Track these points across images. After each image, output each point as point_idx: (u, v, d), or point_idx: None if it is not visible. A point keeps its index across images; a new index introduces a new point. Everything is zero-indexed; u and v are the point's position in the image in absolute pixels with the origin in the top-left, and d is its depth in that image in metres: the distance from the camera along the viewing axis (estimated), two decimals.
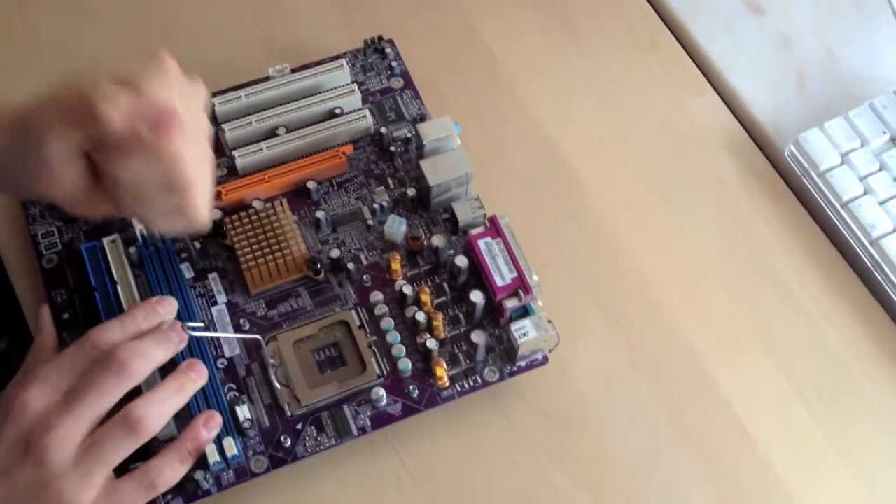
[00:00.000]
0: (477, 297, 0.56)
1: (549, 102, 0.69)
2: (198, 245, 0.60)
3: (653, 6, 0.75)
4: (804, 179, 0.66)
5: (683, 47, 0.73)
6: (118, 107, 0.46)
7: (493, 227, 0.58)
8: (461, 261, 0.57)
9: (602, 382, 0.59)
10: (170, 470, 0.51)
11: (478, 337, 0.56)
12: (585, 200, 0.65)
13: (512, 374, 0.57)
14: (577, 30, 0.73)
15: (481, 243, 0.57)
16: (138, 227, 0.59)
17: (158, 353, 0.52)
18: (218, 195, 0.60)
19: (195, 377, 0.53)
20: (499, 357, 0.57)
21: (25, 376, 0.50)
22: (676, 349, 0.60)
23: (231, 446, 0.53)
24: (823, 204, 0.65)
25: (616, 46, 0.72)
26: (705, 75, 0.71)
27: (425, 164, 0.60)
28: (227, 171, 0.63)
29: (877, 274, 0.62)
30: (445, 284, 0.59)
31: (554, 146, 0.67)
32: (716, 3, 0.75)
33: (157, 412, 0.50)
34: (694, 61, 0.72)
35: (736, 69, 0.71)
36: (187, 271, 0.59)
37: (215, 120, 0.63)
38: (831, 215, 0.65)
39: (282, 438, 0.54)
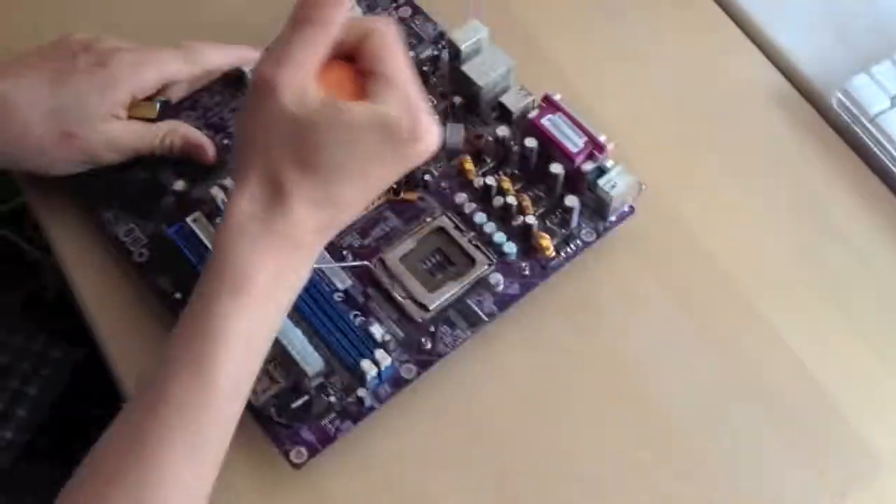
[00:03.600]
0: (556, 168, 0.60)
1: (581, 69, 0.68)
2: None
3: None
4: (855, 126, 0.65)
5: (717, 2, 0.72)
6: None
7: (549, 105, 0.61)
8: (530, 142, 0.61)
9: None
10: None
11: (571, 201, 0.59)
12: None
13: (606, 229, 0.60)
14: None
15: (544, 121, 0.60)
16: (220, 198, 0.61)
17: None
18: None
19: None
20: (589, 219, 0.61)
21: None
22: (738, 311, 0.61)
23: (384, 356, 0.55)
24: (876, 149, 0.65)
25: (646, 6, 0.72)
26: (743, 30, 0.71)
27: (468, 69, 0.63)
28: None
29: None
30: (519, 172, 0.62)
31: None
32: None
33: None
34: (730, 16, 0.71)
35: (773, 21, 0.70)
36: None
37: None
38: (885, 159, 0.64)
39: (421, 341, 0.57)
